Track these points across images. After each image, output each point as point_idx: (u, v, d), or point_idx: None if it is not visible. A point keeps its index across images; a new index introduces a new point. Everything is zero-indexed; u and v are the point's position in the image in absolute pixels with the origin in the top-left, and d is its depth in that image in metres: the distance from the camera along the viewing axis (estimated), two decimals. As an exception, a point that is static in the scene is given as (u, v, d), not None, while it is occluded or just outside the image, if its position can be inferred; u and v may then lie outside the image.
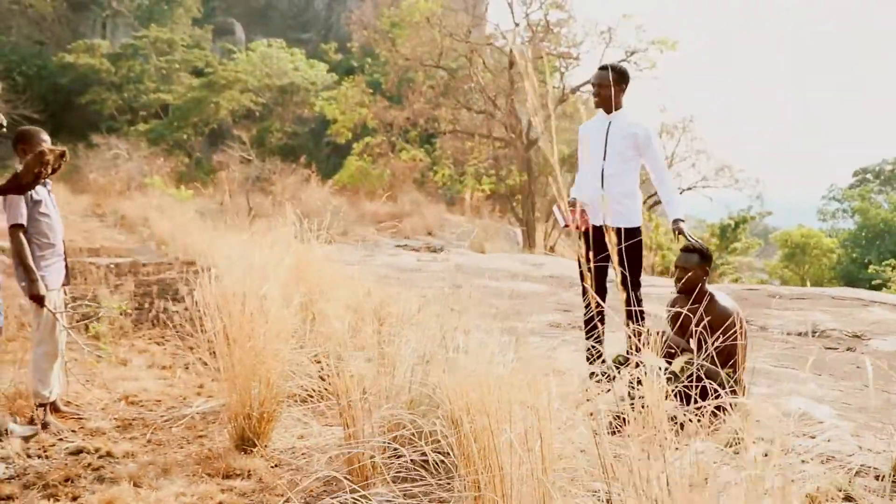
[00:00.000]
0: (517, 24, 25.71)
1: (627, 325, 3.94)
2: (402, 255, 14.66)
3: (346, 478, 3.16)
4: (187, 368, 5.70)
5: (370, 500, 2.80)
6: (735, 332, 3.99)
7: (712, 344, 3.54)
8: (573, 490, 2.48)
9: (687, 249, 4.42)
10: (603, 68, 4.97)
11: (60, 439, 4.16)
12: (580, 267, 4.63)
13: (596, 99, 4.97)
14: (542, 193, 29.54)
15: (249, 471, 3.63)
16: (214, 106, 28.54)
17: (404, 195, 25.21)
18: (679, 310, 4.12)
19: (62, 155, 3.60)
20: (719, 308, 4.17)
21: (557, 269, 12.77)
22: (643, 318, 4.52)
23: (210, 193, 21.90)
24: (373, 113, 26.58)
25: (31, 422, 4.33)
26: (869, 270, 27.72)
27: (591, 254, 4.69)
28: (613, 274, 4.13)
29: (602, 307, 4.34)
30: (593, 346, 4.60)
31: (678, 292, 4.38)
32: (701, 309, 3.99)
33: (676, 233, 4.80)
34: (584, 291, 4.93)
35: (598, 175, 4.93)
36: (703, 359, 3.54)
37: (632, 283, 4.72)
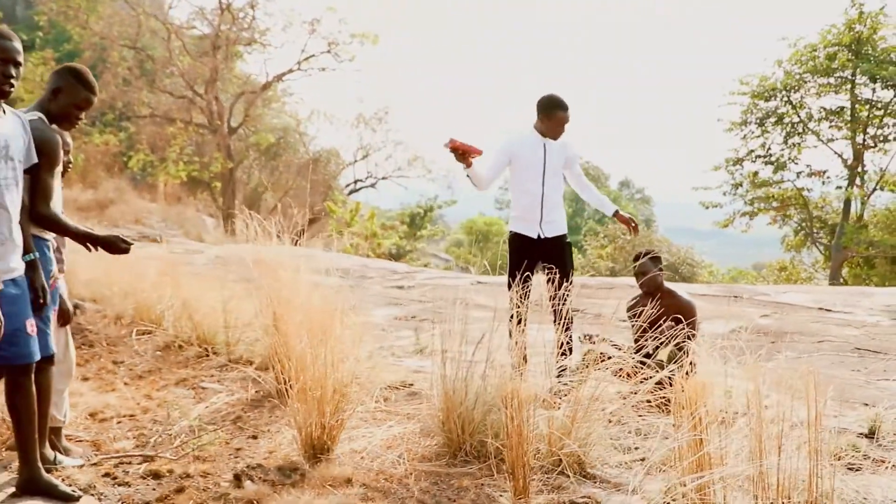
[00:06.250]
0: (222, 10, 25.29)
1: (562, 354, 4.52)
2: (147, 247, 13.77)
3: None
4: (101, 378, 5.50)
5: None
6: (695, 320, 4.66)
7: (683, 333, 4.09)
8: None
9: (640, 256, 4.91)
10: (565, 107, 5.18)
11: (94, 464, 3.82)
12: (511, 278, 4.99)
13: (559, 129, 5.18)
14: (242, 182, 29.32)
15: (349, 478, 3.58)
16: None
17: (107, 182, 23.65)
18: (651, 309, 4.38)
19: None
20: (684, 301, 4.76)
21: (329, 260, 12.60)
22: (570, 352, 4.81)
23: None
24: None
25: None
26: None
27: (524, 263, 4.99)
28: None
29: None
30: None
31: (644, 293, 4.92)
32: (680, 303, 4.68)
33: (631, 224, 5.27)
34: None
35: (537, 192, 5.19)
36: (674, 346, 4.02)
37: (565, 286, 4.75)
